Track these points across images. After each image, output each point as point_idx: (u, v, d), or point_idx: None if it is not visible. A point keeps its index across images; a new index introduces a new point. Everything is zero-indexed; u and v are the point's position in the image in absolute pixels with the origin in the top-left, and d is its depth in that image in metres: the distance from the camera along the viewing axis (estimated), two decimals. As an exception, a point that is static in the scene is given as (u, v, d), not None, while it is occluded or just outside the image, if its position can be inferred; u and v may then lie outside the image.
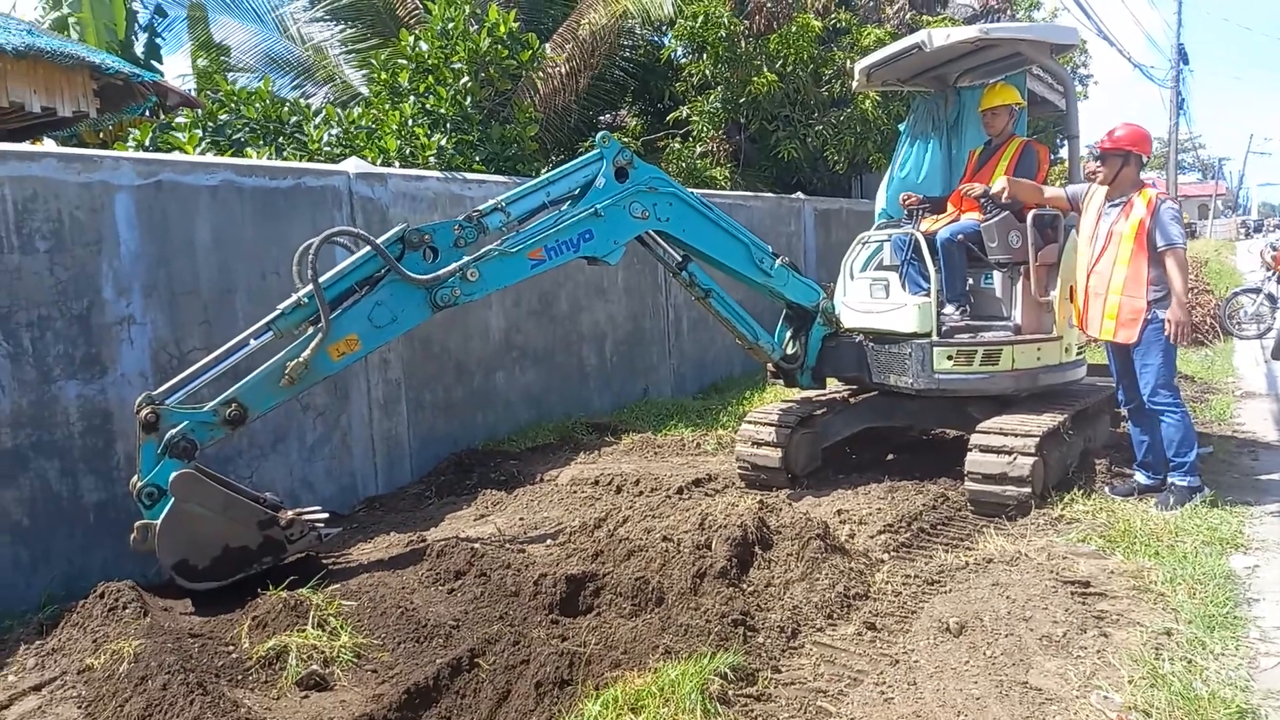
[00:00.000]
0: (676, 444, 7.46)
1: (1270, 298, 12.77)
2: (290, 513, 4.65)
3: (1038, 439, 5.19)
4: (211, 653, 3.66)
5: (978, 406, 5.84)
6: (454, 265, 4.84)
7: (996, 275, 6.15)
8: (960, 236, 5.97)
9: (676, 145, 13.41)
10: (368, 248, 4.66)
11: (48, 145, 9.11)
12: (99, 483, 4.98)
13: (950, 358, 5.64)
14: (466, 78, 8.69)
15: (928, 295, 5.79)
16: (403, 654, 3.71)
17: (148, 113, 9.47)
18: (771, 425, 6.06)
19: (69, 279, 4.90)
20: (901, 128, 7.47)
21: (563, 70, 11.88)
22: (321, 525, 4.80)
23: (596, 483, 6.30)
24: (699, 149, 13.33)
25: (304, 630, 3.76)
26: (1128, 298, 5.25)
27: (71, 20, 11.65)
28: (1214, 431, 7.25)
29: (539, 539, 5.23)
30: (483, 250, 4.96)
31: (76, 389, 4.92)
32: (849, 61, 12.31)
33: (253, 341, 4.56)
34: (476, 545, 4.67)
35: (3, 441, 4.63)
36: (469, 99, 8.68)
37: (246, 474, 5.72)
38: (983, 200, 5.92)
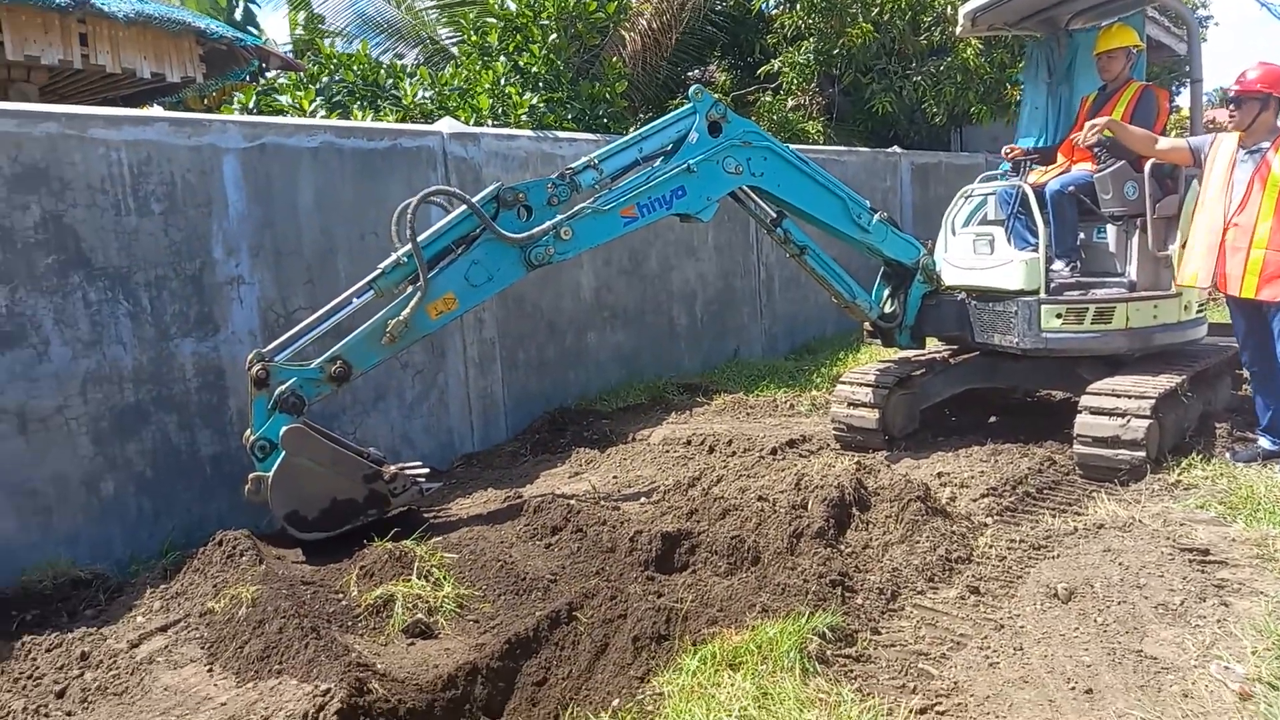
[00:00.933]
0: (769, 405, 7.39)
1: None
2: (393, 467, 4.79)
3: (1153, 401, 4.94)
4: (323, 599, 3.80)
5: (1088, 367, 5.60)
6: (548, 224, 4.84)
7: (1110, 229, 5.84)
8: (1071, 188, 5.68)
9: (767, 99, 13.12)
10: (463, 207, 4.70)
11: (157, 110, 9.45)
12: (214, 436, 5.21)
13: (1059, 316, 5.41)
14: (555, 34, 8.65)
15: (1035, 250, 5.55)
16: (503, 605, 3.79)
17: (249, 77, 9.73)
18: (868, 386, 5.93)
19: (182, 240, 5.09)
20: (1018, 77, 7.12)
21: (651, 25, 11.70)
22: (423, 480, 4.93)
23: (689, 442, 6.29)
24: (790, 103, 13.01)
25: (409, 580, 3.87)
26: (1274, 252, 4.89)
27: None
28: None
29: (633, 497, 5.26)
30: (576, 208, 4.95)
31: (192, 346, 5.13)
32: (950, 7, 11.78)
33: (355, 300, 4.68)
34: (572, 502, 4.72)
35: (126, 397, 4.86)
36: (559, 56, 8.64)
37: (350, 430, 5.90)
38: (1097, 150, 5.61)
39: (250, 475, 4.43)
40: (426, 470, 5.19)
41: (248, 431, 4.52)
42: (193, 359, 5.13)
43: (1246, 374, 5.52)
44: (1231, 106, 5.08)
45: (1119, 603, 3.53)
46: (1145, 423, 4.90)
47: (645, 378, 8.19)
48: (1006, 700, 2.99)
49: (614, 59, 10.18)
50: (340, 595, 3.88)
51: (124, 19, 7.53)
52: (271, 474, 4.37)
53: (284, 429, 4.39)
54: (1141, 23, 6.36)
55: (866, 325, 6.26)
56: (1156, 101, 5.87)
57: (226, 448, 5.21)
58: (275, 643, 3.28)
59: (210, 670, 3.35)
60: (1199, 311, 5.87)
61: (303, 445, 4.44)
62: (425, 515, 5.01)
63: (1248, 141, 5.04)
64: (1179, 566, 3.80)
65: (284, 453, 4.38)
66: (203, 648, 3.50)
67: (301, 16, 13.87)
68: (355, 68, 7.81)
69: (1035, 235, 5.58)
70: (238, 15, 13.37)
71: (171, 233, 5.05)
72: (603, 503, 4.91)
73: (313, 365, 4.51)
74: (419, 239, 4.54)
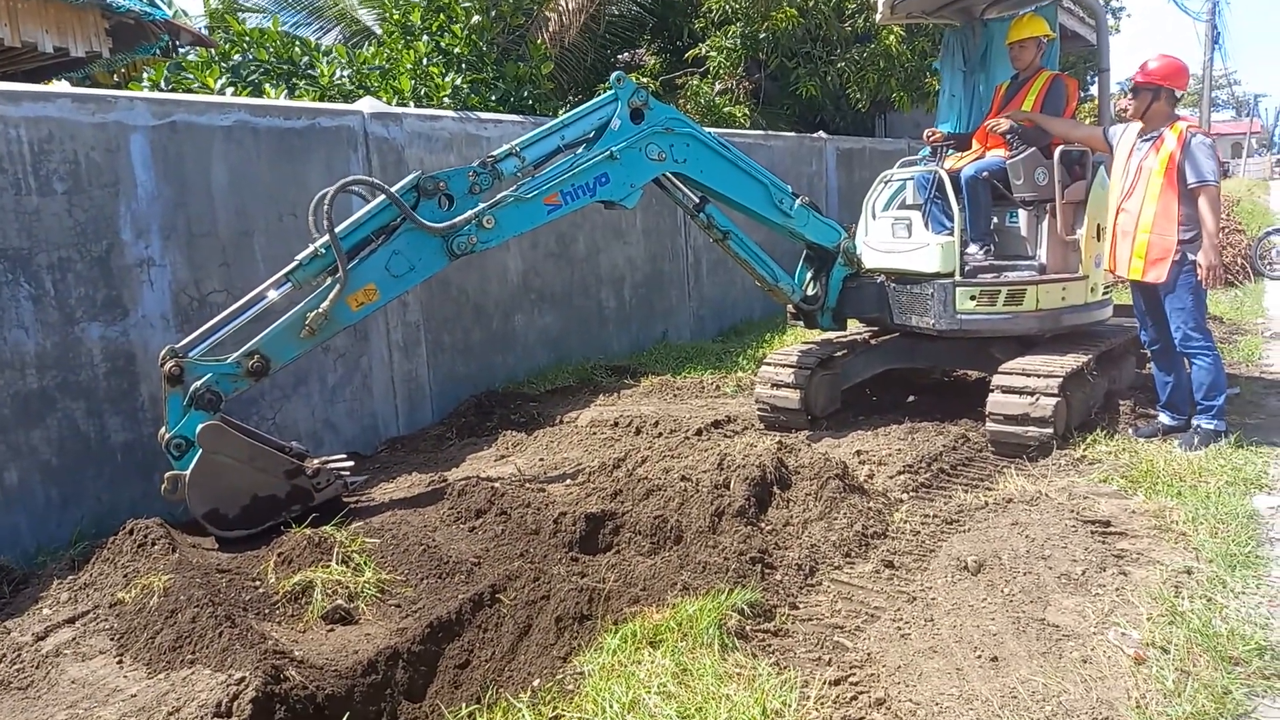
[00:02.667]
0: (696, 386, 7.46)
1: (1303, 237, 12.50)
2: (316, 461, 4.70)
3: (1061, 379, 5.14)
4: (239, 587, 3.73)
5: (1000, 347, 5.78)
6: (470, 212, 4.81)
7: (1022, 214, 6.03)
8: (985, 174, 5.85)
9: (695, 83, 13.17)
10: (383, 196, 4.63)
11: (63, 86, 9.06)
12: (125, 423, 5.05)
13: (973, 298, 5.57)
14: (478, 15, 8.53)
15: (951, 234, 5.70)
16: (425, 589, 3.77)
17: (159, 53, 9.38)
18: (791, 367, 6.03)
19: (87, 220, 4.90)
20: (935, 64, 7.28)
21: (577, 5, 11.63)
22: (347, 474, 4.86)
23: (615, 424, 6.31)
24: (718, 86, 13.08)
25: (329, 566, 3.83)
26: (1157, 235, 5.14)
27: None
28: (1241, 372, 7.16)
29: (558, 479, 5.27)
30: (498, 196, 4.92)
31: (99, 330, 4.96)
32: (873, -5, 11.97)
33: (272, 293, 4.59)
34: (497, 484, 4.71)
35: (29, 383, 4.68)
36: (482, 37, 8.53)
37: (270, 416, 5.78)
38: (1009, 136, 5.78)
39: (167, 474, 4.32)
40: (350, 462, 5.11)
41: (163, 429, 4.39)
42: (100, 343, 4.96)
43: (1148, 352, 5.77)
44: (1130, 95, 5.30)
45: (1025, 574, 3.67)
46: (1053, 400, 5.09)
47: (573, 360, 8.19)
48: (917, 670, 3.09)
49: (539, 40, 10.08)
50: (257, 583, 3.82)
51: (23, -11, 7.20)
52: (189, 472, 4.26)
53: (200, 426, 4.28)
54: (1054, 14, 6.54)
55: (790, 308, 6.36)
56: (1066, 90, 6.07)
57: (138, 434, 5.06)
58: (188, 632, 3.21)
59: (120, 662, 3.27)
60: (1105, 294, 6.11)
61: (220, 442, 4.34)
62: (347, 501, 4.94)
63: (1145, 130, 5.26)
64: (1082, 538, 3.96)
65: (201, 450, 4.28)
66: (112, 639, 3.41)
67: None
68: (268, 45, 7.59)
69: (951, 219, 5.73)
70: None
71: (76, 213, 4.85)
72: (528, 485, 4.91)
73: (229, 360, 4.40)
74: (337, 229, 4.46)
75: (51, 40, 7.62)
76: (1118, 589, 3.54)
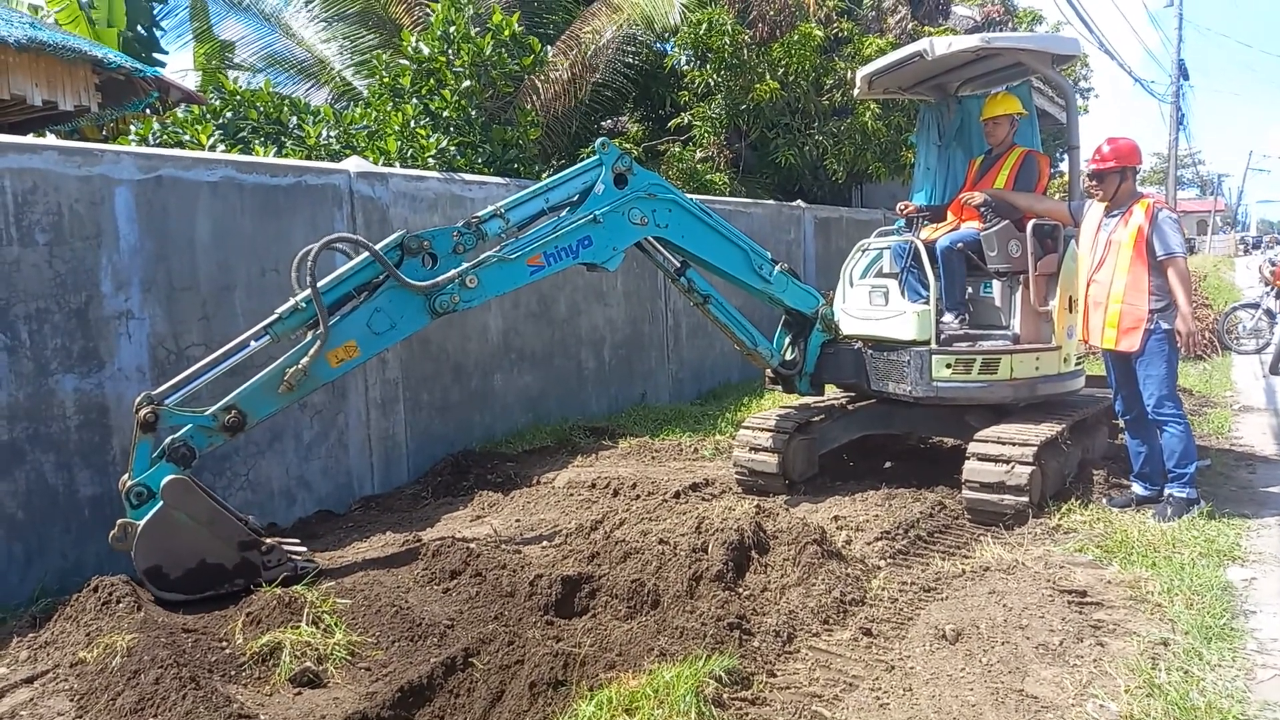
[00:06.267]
0: (674, 449, 7.45)
1: (1269, 313, 12.78)
2: (271, 540, 4.57)
3: (1036, 448, 5.18)
4: (205, 648, 3.64)
5: (976, 415, 5.84)
6: (453, 272, 4.84)
7: (996, 284, 6.15)
8: (960, 245, 5.97)
9: (677, 150, 13.44)
10: (366, 253, 4.65)
11: (49, 139, 9.11)
12: (94, 477, 4.96)
13: (949, 366, 5.64)
14: (469, 81, 8.70)
15: (927, 303, 5.79)
16: (397, 652, 3.69)
17: (148, 109, 9.47)
18: (769, 431, 6.05)
19: (67, 272, 4.89)
20: (912, 138, 7.48)
21: (565, 76, 11.90)
22: (298, 558, 4.67)
23: (593, 486, 6.28)
24: (700, 154, 13.36)
25: (298, 627, 3.74)
26: (1128, 305, 5.26)
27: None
28: (1212, 445, 7.25)
29: (535, 540, 5.22)
30: (482, 257, 4.96)
31: (74, 383, 4.90)
32: (850, 71, 12.34)
33: (252, 343, 4.55)
34: (472, 545, 4.65)
35: (-2, 434, 4.61)
36: (471, 101, 8.68)
37: (243, 472, 5.70)
38: (983, 209, 5.92)
39: (119, 521, 4.20)
40: (305, 549, 4.97)
41: (125, 476, 4.29)
42: (74, 395, 4.90)
43: (1121, 422, 5.84)
44: (1094, 182, 5.47)
45: (1002, 643, 3.66)
46: (1028, 469, 5.13)
47: (552, 420, 8.17)
48: (895, 740, 3.05)
49: (527, 106, 10.28)
50: (224, 644, 3.72)
51: (15, 44, 7.28)
52: (143, 523, 4.15)
53: (167, 479, 4.19)
54: (1027, 92, 6.76)
55: (768, 372, 6.40)
56: (1038, 166, 6.25)
57: (107, 489, 4.96)
58: (151, 694, 3.12)
59: (78, 725, 3.16)
60: (1078, 364, 6.21)
61: (183, 499, 4.23)
62: (317, 561, 4.84)
63: (1111, 206, 5.43)
64: (1059, 608, 3.96)
65: (162, 503, 4.18)
66: (72, 700, 3.31)
67: (205, 49, 13.61)
68: (258, 105, 7.69)
69: (927, 288, 5.83)
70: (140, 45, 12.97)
71: (56, 264, 4.84)
72: (504, 546, 4.86)
73: (206, 413, 4.34)
74: (320, 284, 4.46)
75: (41, 94, 7.69)
76: (1095, 660, 3.54)
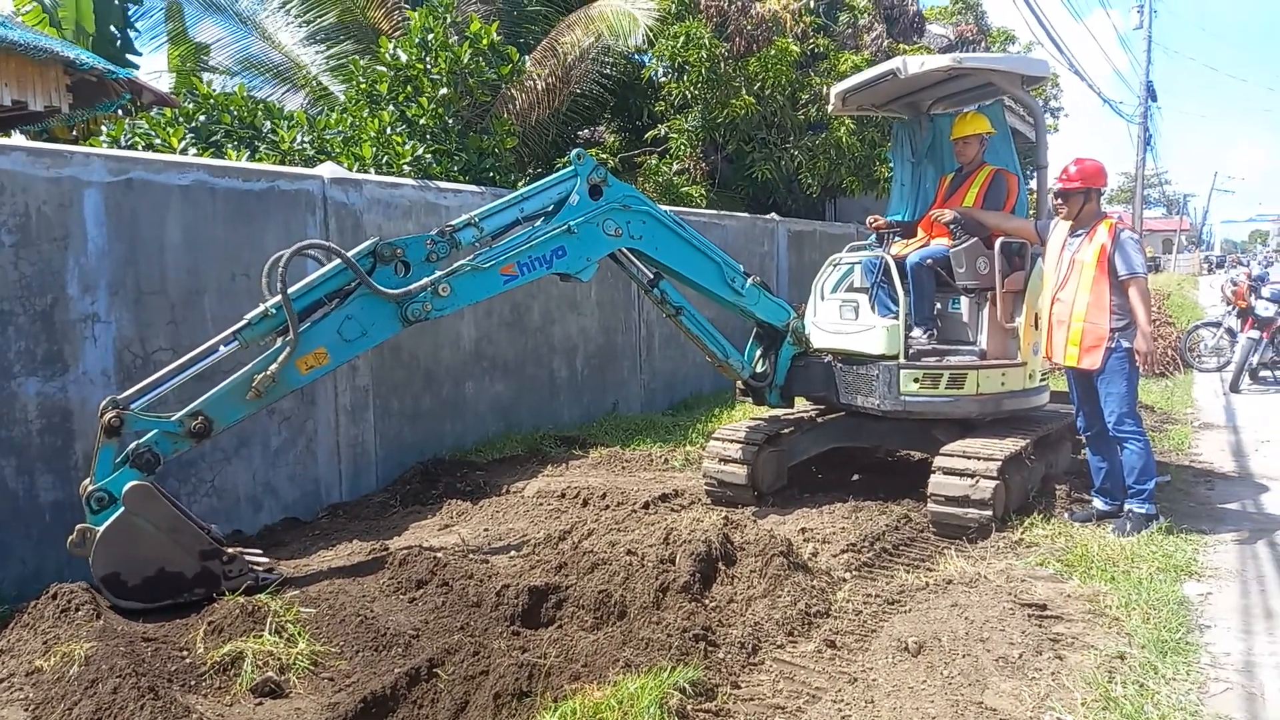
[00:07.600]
0: (644, 459, 7.47)
1: (1230, 332, 13.01)
2: (233, 550, 4.52)
3: (1000, 463, 5.26)
4: (165, 657, 3.60)
5: (942, 429, 5.91)
6: (426, 280, 4.83)
7: (964, 300, 6.24)
8: (929, 261, 6.06)
9: (654, 162, 13.50)
10: (339, 260, 4.64)
11: (17, 139, 8.99)
12: (56, 482, 4.90)
13: (916, 380, 5.71)
14: (446, 89, 8.69)
15: (896, 318, 5.86)
16: (361, 662, 3.67)
17: (120, 111, 9.38)
18: (739, 443, 6.09)
19: (33, 274, 4.83)
20: (887, 154, 7.58)
21: (542, 86, 11.91)
22: (260, 569, 4.61)
23: (563, 495, 6.28)
24: (676, 167, 13.42)
25: (260, 636, 3.71)
26: (1090, 324, 5.36)
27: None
28: (1172, 461, 7.38)
29: (503, 550, 5.21)
30: (455, 265, 4.96)
31: (37, 386, 4.85)
32: (826, 86, 12.46)
33: (221, 349, 4.52)
34: (439, 555, 4.63)
35: (-42, 437, 4.54)
36: (448, 109, 8.67)
37: (209, 478, 5.65)
38: (952, 226, 6.01)
39: (78, 526, 4.14)
40: (266, 560, 4.92)
41: (87, 480, 4.23)
42: (37, 399, 4.84)
43: (1083, 438, 5.94)
44: (1059, 200, 5.57)
45: (964, 656, 3.71)
46: (993, 483, 5.20)
47: (523, 429, 8.16)
48: (856, 751, 3.08)
49: (504, 115, 10.28)
50: (185, 653, 3.68)
51: (-15, 42, 7.19)
52: (102, 529, 4.09)
53: (129, 484, 4.13)
54: (999, 111, 6.87)
55: (739, 384, 6.44)
56: (1007, 185, 6.36)
57: (69, 494, 4.88)
58: (108, 704, 3.08)
59: (34, 734, 3.12)
60: (1042, 380, 6.30)
61: (145, 505, 4.16)
62: (281, 570, 4.80)
63: (1075, 226, 5.53)
64: (1019, 621, 4.01)
65: (123, 509, 4.11)
66: (27, 709, 3.26)
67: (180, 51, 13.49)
68: (232, 109, 7.64)
69: (896, 304, 5.90)
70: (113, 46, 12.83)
71: (22, 266, 4.79)
72: (471, 556, 4.85)
73: (173, 419, 4.29)
74: (290, 290, 4.43)
75: (10, 93, 7.59)
76: (1053, 673, 3.59)
